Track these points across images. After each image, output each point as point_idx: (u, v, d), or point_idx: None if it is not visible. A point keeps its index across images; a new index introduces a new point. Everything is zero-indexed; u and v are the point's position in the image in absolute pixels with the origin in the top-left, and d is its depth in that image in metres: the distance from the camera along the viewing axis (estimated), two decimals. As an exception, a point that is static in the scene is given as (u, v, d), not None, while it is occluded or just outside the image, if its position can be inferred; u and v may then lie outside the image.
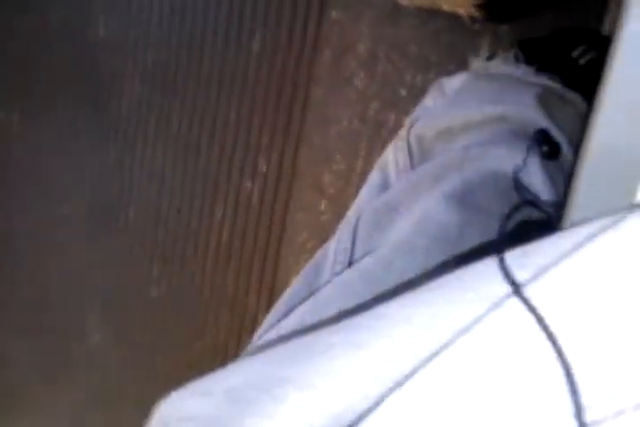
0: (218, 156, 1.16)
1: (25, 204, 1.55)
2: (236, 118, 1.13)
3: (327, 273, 0.49)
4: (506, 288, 0.24)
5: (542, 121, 0.52)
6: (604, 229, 0.24)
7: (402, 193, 0.51)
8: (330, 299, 0.45)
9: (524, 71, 0.59)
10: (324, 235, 1.05)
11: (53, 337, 1.53)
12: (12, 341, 1.65)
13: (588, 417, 0.19)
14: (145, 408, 0.30)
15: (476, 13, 0.84)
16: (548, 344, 0.21)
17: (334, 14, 1.01)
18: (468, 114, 0.55)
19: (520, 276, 0.24)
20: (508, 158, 0.49)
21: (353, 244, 0.49)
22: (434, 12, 0.90)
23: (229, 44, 1.13)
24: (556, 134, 0.51)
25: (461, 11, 0.86)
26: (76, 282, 1.46)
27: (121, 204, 1.33)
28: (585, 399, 0.19)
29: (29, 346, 1.59)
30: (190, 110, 1.19)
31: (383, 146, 0.60)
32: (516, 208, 0.43)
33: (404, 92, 0.95)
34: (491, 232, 0.44)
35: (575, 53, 0.62)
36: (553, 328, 0.21)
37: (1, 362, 1.67)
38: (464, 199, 0.46)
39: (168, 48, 1.21)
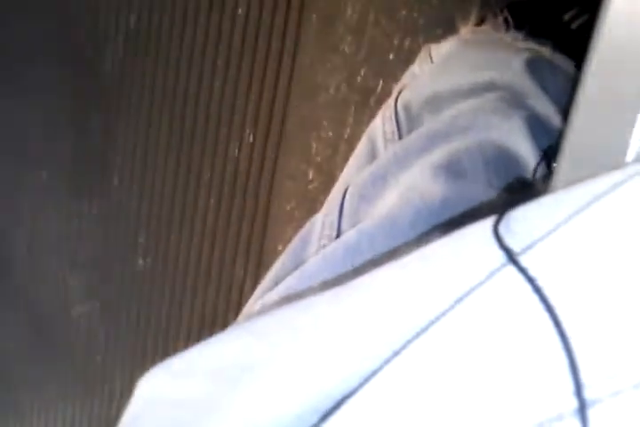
0: (204, 124, 1.14)
1: None
2: (221, 86, 1.11)
3: (314, 246, 0.49)
4: (500, 256, 0.23)
5: (531, 89, 0.52)
6: (603, 194, 0.23)
7: (389, 164, 0.50)
8: (315, 272, 0.44)
9: (513, 36, 0.58)
10: (311, 204, 1.04)
11: (35, 309, 1.52)
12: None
13: (588, 395, 0.18)
14: (131, 382, 0.29)
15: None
16: (547, 317, 0.20)
17: (320, -23, 0.98)
18: (456, 81, 0.55)
19: (514, 243, 0.23)
20: (498, 128, 0.49)
21: (340, 217, 0.49)
22: (423, -25, 0.88)
23: (214, 8, 1.10)
24: (545, 104, 0.50)
25: (451, -27, 0.84)
26: (57, 252, 1.44)
27: (105, 170, 1.31)
28: (585, 377, 0.19)
29: (10, 318, 1.57)
30: (174, 77, 1.17)
31: (371, 113, 0.59)
32: (511, 185, 0.42)
33: (392, 57, 0.94)
34: (476, 201, 0.43)
35: (566, 17, 0.61)
36: (551, 300, 0.20)
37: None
38: (450, 169, 0.46)
39: (151, 11, 1.18)
